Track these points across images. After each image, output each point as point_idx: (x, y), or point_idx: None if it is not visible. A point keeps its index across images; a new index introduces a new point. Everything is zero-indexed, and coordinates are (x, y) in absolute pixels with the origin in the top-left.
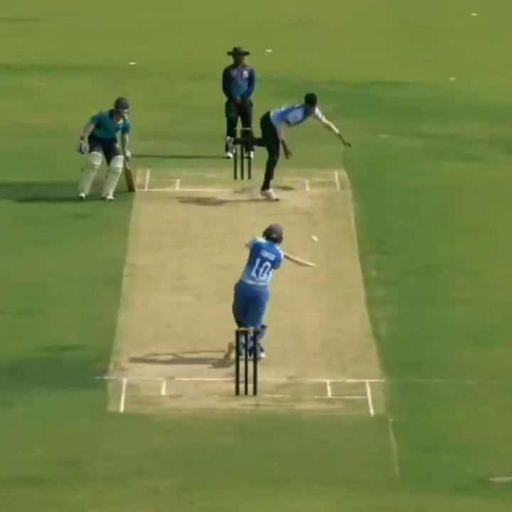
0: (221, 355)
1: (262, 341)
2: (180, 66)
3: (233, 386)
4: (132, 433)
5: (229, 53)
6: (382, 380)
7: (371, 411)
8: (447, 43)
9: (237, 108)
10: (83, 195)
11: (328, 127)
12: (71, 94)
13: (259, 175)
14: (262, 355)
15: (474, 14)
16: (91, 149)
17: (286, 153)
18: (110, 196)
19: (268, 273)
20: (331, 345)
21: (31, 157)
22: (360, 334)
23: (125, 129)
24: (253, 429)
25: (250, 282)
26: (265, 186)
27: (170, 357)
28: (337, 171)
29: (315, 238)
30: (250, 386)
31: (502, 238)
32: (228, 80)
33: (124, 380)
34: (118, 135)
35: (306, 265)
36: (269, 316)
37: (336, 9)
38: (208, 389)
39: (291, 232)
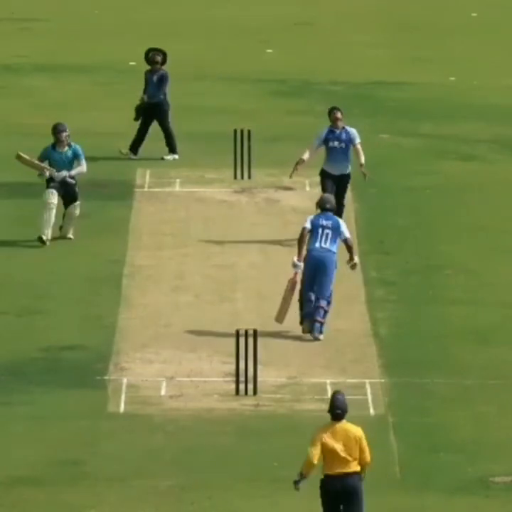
0: (221, 355)
1: (327, 323)
2: (180, 66)
3: (233, 386)
4: (132, 433)
5: (146, 57)
6: (382, 380)
7: (371, 411)
8: (447, 43)
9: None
10: (44, 237)
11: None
12: (71, 94)
13: (259, 175)
14: (321, 337)
15: (474, 14)
16: (47, 186)
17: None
18: (71, 236)
19: (332, 241)
20: (331, 345)
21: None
22: (360, 334)
23: (77, 156)
24: (253, 429)
25: (318, 251)
26: None
27: (170, 357)
28: None
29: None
30: (250, 386)
31: (502, 238)
32: (145, 83)
33: (124, 380)
34: (75, 166)
35: (352, 255)
36: (268, 315)
37: (336, 9)
38: (208, 389)
39: (292, 232)
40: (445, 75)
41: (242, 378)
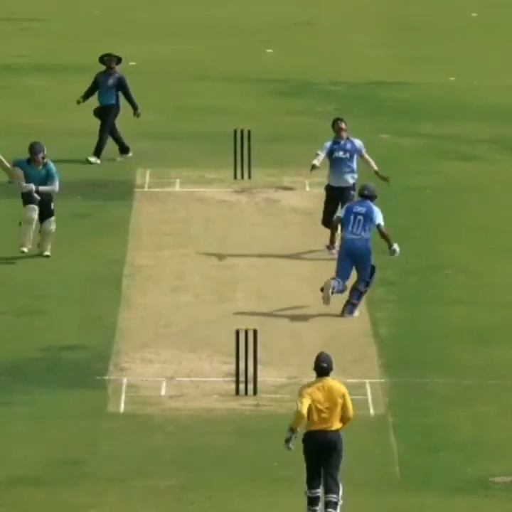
0: (221, 355)
1: (362, 302)
2: (180, 66)
3: (233, 386)
4: (132, 433)
5: (101, 60)
6: (382, 380)
7: (371, 411)
8: (447, 43)
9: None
10: (25, 249)
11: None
12: (71, 94)
13: (259, 175)
14: (356, 313)
15: (474, 14)
16: (27, 201)
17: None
18: (48, 253)
19: (364, 227)
20: (331, 345)
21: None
22: (360, 334)
23: (50, 177)
24: (253, 429)
25: (350, 236)
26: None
27: (170, 357)
28: None
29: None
30: (250, 386)
31: (502, 238)
32: (96, 86)
33: (124, 380)
34: (50, 184)
35: (389, 242)
36: (268, 315)
37: (336, 9)
38: (208, 389)
39: (291, 232)
40: (445, 75)
41: (242, 378)
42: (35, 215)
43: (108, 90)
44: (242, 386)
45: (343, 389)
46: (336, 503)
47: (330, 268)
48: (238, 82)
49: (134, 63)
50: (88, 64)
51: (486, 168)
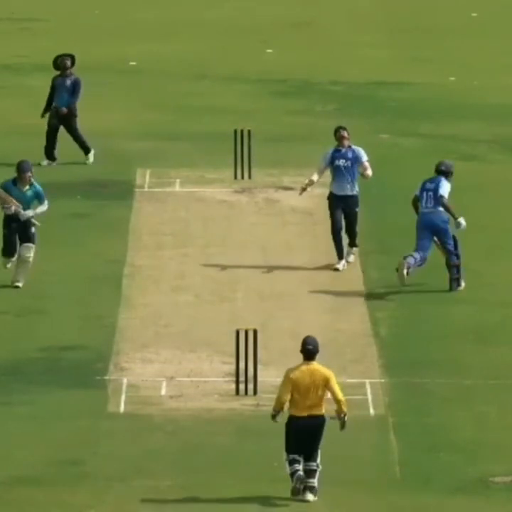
0: (221, 355)
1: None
2: (180, 66)
3: (233, 386)
4: (132, 433)
5: (55, 63)
6: (382, 380)
7: (371, 411)
8: (447, 43)
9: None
10: (9, 265)
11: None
12: None
13: (259, 175)
14: (462, 284)
15: (474, 14)
16: (4, 250)
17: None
18: (20, 284)
19: (434, 201)
20: (331, 345)
21: (31, 157)
22: (360, 334)
23: (38, 197)
24: (253, 429)
25: (424, 211)
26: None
27: (170, 357)
28: None
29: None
30: (250, 386)
31: (502, 238)
32: (54, 90)
33: (124, 380)
34: (33, 206)
35: (453, 215)
36: (268, 315)
37: (336, 9)
38: (208, 389)
39: (291, 232)
40: (445, 75)
41: (242, 378)
42: (10, 264)
43: (65, 92)
44: (242, 386)
45: (327, 373)
46: (315, 471)
47: (329, 266)
48: (238, 82)
49: (134, 63)
50: (88, 64)
51: (486, 168)
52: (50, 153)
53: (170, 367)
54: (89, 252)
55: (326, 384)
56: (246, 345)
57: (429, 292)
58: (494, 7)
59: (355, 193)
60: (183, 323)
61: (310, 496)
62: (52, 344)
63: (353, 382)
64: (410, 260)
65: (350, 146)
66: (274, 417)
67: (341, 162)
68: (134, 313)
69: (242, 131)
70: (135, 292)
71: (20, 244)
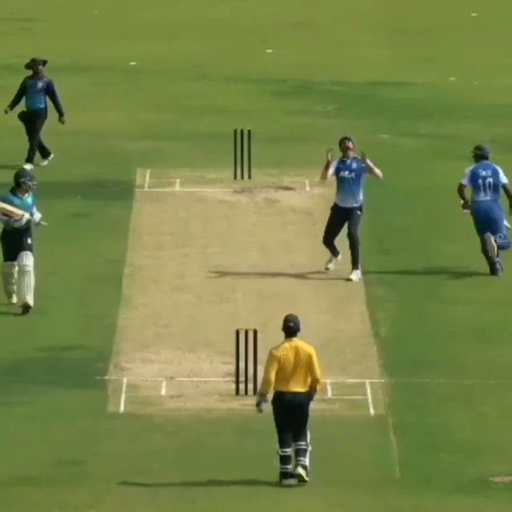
0: (221, 355)
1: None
2: (180, 66)
3: (233, 386)
4: (132, 433)
5: (27, 65)
6: (382, 380)
7: (371, 411)
8: (447, 43)
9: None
10: (14, 300)
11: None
12: (71, 94)
13: (259, 175)
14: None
15: (474, 14)
16: (4, 256)
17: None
18: (30, 302)
19: (494, 189)
20: (331, 345)
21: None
22: (360, 334)
23: (35, 202)
24: (253, 429)
25: (483, 199)
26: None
27: (170, 357)
28: None
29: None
30: (250, 386)
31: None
32: (24, 91)
33: (124, 380)
34: (35, 208)
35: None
36: (268, 315)
37: (336, 9)
38: (208, 389)
39: (291, 232)
40: (445, 75)
41: (242, 378)
42: (15, 270)
43: (37, 94)
44: (242, 386)
45: (310, 350)
46: (305, 450)
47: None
48: (238, 82)
49: (134, 63)
50: (88, 64)
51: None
52: (44, 152)
53: (170, 367)
54: (89, 252)
55: (309, 359)
56: (246, 345)
57: (429, 292)
58: (494, 7)
59: (358, 204)
60: (183, 323)
61: (303, 471)
62: (52, 344)
63: (353, 382)
64: (495, 239)
65: (355, 157)
66: (259, 404)
67: (346, 174)
68: (134, 313)
69: (242, 131)
70: (135, 292)
71: (18, 256)
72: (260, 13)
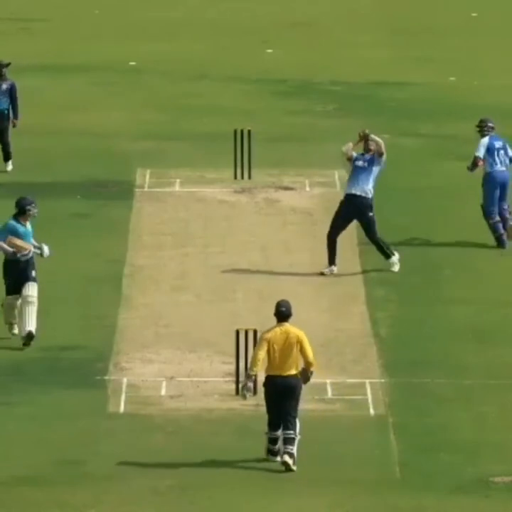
0: (221, 355)
1: None
2: (180, 66)
3: (233, 386)
4: (132, 433)
5: None
6: (382, 380)
7: (371, 411)
8: (447, 43)
9: None
10: (16, 331)
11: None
12: (71, 94)
13: (259, 175)
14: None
15: (474, 14)
16: (8, 290)
17: None
18: (32, 329)
19: (507, 160)
20: (331, 345)
21: (31, 157)
22: (360, 334)
23: (32, 229)
24: (253, 429)
25: (500, 168)
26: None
27: (170, 357)
28: (337, 171)
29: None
30: (250, 386)
31: None
32: None
33: (124, 380)
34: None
35: None
36: (268, 315)
37: (336, 9)
38: (208, 389)
39: (291, 232)
40: (445, 75)
41: (242, 378)
42: (18, 300)
43: (2, 96)
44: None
45: (300, 334)
46: (293, 439)
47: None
48: (238, 82)
49: (134, 63)
50: (88, 64)
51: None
52: (6, 155)
53: (170, 367)
54: (89, 252)
55: (299, 343)
56: (246, 345)
57: (429, 292)
58: (494, 7)
59: (365, 194)
60: (183, 323)
61: (289, 459)
62: (52, 344)
63: (353, 382)
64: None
65: (373, 155)
66: (244, 386)
67: (360, 163)
68: (134, 313)
69: (242, 131)
70: (135, 292)
71: (21, 288)
72: (260, 13)
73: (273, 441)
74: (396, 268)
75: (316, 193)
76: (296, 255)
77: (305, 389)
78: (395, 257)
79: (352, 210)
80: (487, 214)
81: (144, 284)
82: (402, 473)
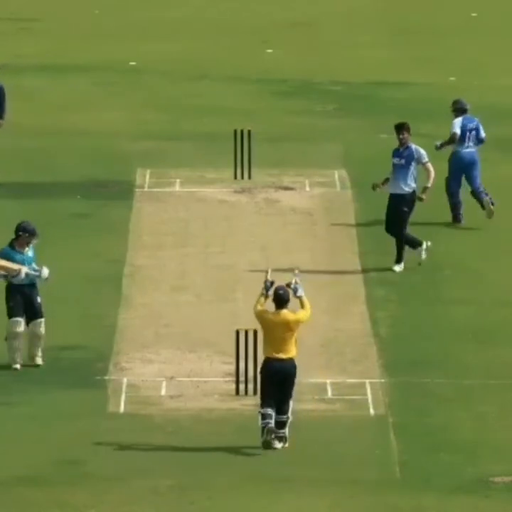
0: (221, 355)
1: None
2: (180, 66)
3: (233, 386)
4: (132, 433)
5: None
6: (382, 380)
7: (371, 411)
8: (447, 43)
9: None
10: (18, 366)
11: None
12: (70, 94)
13: (259, 175)
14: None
15: (474, 14)
16: (10, 312)
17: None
18: (39, 361)
19: (476, 141)
20: (331, 345)
21: (31, 157)
22: (360, 334)
23: (33, 254)
24: (253, 429)
25: (469, 149)
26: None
27: (170, 357)
28: (337, 171)
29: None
30: (250, 386)
31: (502, 238)
32: None
33: (124, 380)
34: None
35: None
36: None
37: (336, 9)
38: (208, 389)
39: (291, 232)
40: (445, 75)
41: (242, 378)
42: (21, 329)
43: None
44: (242, 386)
45: (298, 316)
46: (285, 422)
47: (330, 266)
48: (238, 82)
49: (134, 63)
50: (88, 64)
51: (486, 168)
52: None
53: (170, 367)
54: (89, 252)
55: (297, 321)
56: (246, 345)
57: (429, 292)
58: (494, 7)
59: (406, 191)
60: (183, 323)
61: (278, 445)
62: (52, 344)
63: (353, 382)
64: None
65: (408, 147)
66: (271, 284)
67: (395, 160)
68: (134, 313)
69: (242, 131)
70: (135, 292)
71: (28, 319)
72: (260, 13)
73: (266, 416)
74: (423, 255)
75: (316, 193)
76: (296, 255)
77: (305, 388)
78: (424, 246)
79: (394, 204)
80: (449, 191)
81: (143, 284)
82: (402, 473)
